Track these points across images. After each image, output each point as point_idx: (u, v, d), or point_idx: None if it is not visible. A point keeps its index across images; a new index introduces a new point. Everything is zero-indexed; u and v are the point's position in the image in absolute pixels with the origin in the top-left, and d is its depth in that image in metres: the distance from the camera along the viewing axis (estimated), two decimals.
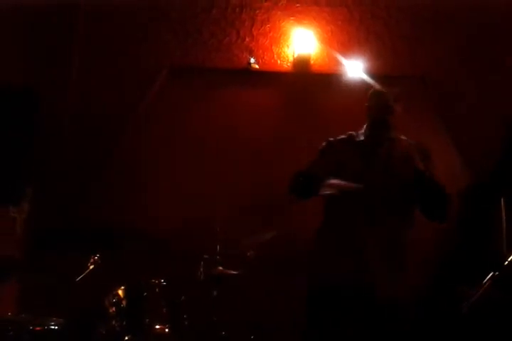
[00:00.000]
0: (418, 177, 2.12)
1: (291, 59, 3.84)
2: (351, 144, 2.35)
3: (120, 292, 2.79)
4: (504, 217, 2.71)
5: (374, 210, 2.20)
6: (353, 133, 2.40)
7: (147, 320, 2.75)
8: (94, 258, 2.84)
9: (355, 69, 3.77)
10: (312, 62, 3.82)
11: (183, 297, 2.87)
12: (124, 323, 2.74)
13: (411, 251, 2.24)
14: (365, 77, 3.68)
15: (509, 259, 1.75)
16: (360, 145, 2.33)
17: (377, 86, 2.41)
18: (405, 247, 2.25)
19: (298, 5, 3.90)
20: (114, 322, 2.74)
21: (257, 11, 3.88)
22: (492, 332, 2.35)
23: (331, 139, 2.42)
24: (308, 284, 2.31)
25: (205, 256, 3.06)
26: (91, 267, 2.83)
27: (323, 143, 2.43)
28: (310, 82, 3.80)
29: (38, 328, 2.61)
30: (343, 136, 2.41)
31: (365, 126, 2.39)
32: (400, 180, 2.20)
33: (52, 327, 2.64)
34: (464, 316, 1.63)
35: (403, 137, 2.36)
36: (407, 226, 2.27)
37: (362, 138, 2.35)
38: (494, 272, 1.74)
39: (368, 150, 2.29)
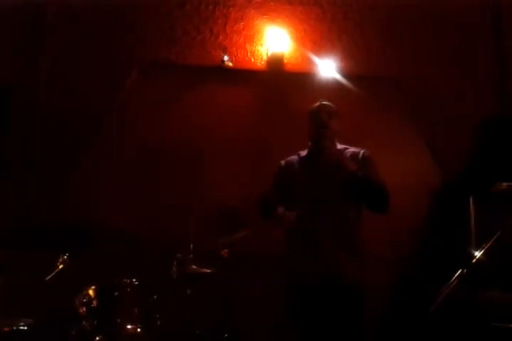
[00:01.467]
0: (351, 177, 2.50)
1: (264, 57, 3.85)
2: (298, 160, 2.76)
3: (91, 292, 2.75)
4: (473, 216, 2.78)
5: (321, 210, 2.57)
6: (301, 152, 2.79)
7: (119, 319, 2.71)
8: (63, 257, 2.79)
9: (328, 68, 3.81)
10: (285, 60, 3.84)
11: (155, 296, 2.84)
12: (95, 323, 2.70)
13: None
14: (338, 77, 3.71)
15: (477, 257, 1.79)
16: (304, 159, 2.74)
17: (315, 105, 2.74)
18: (356, 237, 2.59)
19: (271, 3, 3.92)
20: (84, 323, 2.69)
21: (231, 9, 3.88)
22: (459, 329, 2.41)
23: (282, 162, 2.82)
24: (285, 283, 2.62)
25: (178, 255, 3.04)
26: (60, 266, 2.78)
27: (278, 167, 2.82)
28: (283, 81, 3.81)
29: (6, 329, 2.57)
30: (292, 156, 2.80)
31: (308, 144, 2.76)
32: (337, 181, 2.56)
33: (22, 327, 2.60)
34: (432, 314, 1.67)
35: (342, 146, 2.73)
36: (354, 219, 2.60)
37: (305, 153, 2.75)
38: (462, 270, 1.78)
39: (309, 161, 2.70)
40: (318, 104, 2.76)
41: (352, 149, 2.72)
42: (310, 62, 3.84)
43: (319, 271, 2.49)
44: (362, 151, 2.70)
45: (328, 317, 2.45)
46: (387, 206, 2.53)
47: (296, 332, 2.54)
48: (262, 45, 3.86)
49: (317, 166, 2.65)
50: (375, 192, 2.53)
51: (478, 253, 1.83)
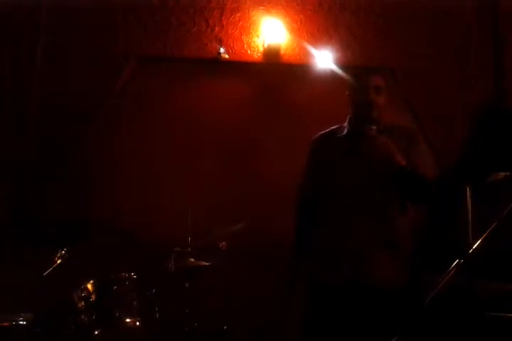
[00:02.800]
0: (399, 173, 2.16)
1: (261, 49, 3.82)
2: (334, 141, 2.35)
3: (89, 286, 2.76)
4: (470, 206, 2.76)
5: (363, 206, 2.24)
6: (334, 127, 2.40)
7: (117, 313, 2.72)
8: (61, 252, 2.79)
9: (324, 59, 3.78)
10: (282, 52, 3.82)
11: (153, 290, 2.84)
12: (94, 317, 2.71)
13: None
14: (335, 68, 3.69)
15: (474, 247, 1.78)
16: (342, 143, 2.33)
17: (358, 77, 2.30)
18: (401, 237, 2.30)
19: None
20: (83, 317, 2.70)
21: (226, 0, 3.84)
22: (456, 320, 2.41)
23: (316, 138, 2.44)
24: (309, 284, 2.33)
25: (176, 248, 3.04)
26: (58, 261, 2.79)
27: (311, 144, 2.45)
28: (280, 72, 3.79)
29: (5, 324, 2.58)
30: (326, 132, 2.42)
31: (347, 120, 2.37)
32: (383, 174, 2.21)
33: (21, 322, 2.60)
34: (428, 304, 1.67)
35: (388, 125, 2.32)
36: (399, 216, 2.30)
37: (344, 133, 2.35)
38: (459, 260, 1.77)
39: (349, 147, 2.30)
40: (364, 74, 2.29)
41: (398, 126, 2.32)
42: (307, 53, 3.82)
43: (353, 270, 2.20)
44: (409, 130, 2.34)
45: (357, 323, 2.17)
46: (432, 197, 2.30)
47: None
48: (258, 36, 3.83)
49: (360, 155, 2.25)
50: (422, 187, 2.23)
51: (475, 244, 1.82)
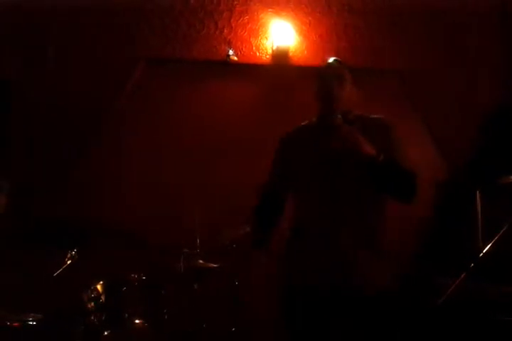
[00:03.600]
0: (370, 163, 2.01)
1: (270, 51, 3.83)
2: (300, 137, 2.27)
3: (99, 287, 2.76)
4: (480, 209, 2.75)
5: (337, 203, 2.12)
6: (305, 123, 2.31)
7: (126, 314, 2.73)
8: (71, 253, 2.81)
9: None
10: (291, 54, 3.82)
11: (162, 291, 2.85)
12: (103, 318, 2.72)
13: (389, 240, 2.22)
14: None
15: (484, 251, 1.78)
16: (308, 137, 2.24)
17: (322, 70, 2.22)
18: (380, 234, 2.16)
19: None
20: (92, 317, 2.71)
21: (235, 2, 3.85)
22: (466, 323, 2.40)
23: (285, 134, 2.35)
24: (284, 285, 2.21)
25: (185, 250, 3.05)
26: (68, 262, 2.80)
27: (279, 142, 2.36)
28: (289, 75, 3.79)
29: (16, 324, 2.59)
30: (294, 128, 2.33)
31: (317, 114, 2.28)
32: (352, 167, 2.09)
33: (30, 322, 2.62)
34: (439, 308, 1.66)
35: (360, 115, 2.20)
36: (377, 212, 2.16)
37: (311, 127, 2.27)
38: (469, 263, 1.76)
39: (316, 141, 2.18)
40: (326, 64, 2.23)
41: (371, 118, 2.19)
42: (315, 55, 3.82)
43: (335, 275, 2.05)
44: (382, 120, 2.18)
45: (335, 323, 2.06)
46: (413, 193, 2.09)
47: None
48: (267, 38, 3.84)
49: (326, 147, 2.11)
50: (400, 179, 2.07)
51: (485, 247, 1.81)
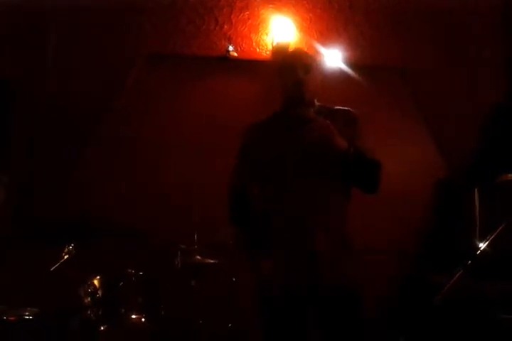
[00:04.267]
0: (342, 156, 1.97)
1: (270, 47, 3.81)
2: (266, 129, 2.17)
3: (96, 282, 2.77)
4: (478, 208, 2.75)
5: (304, 197, 2.03)
6: (270, 115, 2.23)
7: (123, 309, 2.74)
8: (68, 247, 2.81)
9: (333, 58, 3.77)
10: (291, 50, 3.81)
11: (160, 287, 2.85)
12: (100, 313, 2.72)
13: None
14: (344, 67, 3.68)
15: (481, 249, 1.78)
16: (274, 129, 2.14)
17: (285, 59, 2.15)
18: (345, 226, 2.08)
19: None
20: (89, 312, 2.71)
21: None
22: (464, 322, 2.41)
23: (247, 129, 2.25)
24: (263, 291, 2.11)
25: (183, 246, 3.05)
26: (65, 257, 2.80)
27: (242, 136, 2.25)
28: None
29: (12, 318, 2.59)
30: (259, 121, 2.24)
31: (281, 105, 2.19)
32: (322, 159, 2.03)
33: (27, 317, 2.62)
34: (437, 306, 1.66)
35: (323, 105, 2.15)
36: (342, 204, 2.11)
37: (276, 118, 2.18)
38: (467, 261, 1.76)
39: (283, 132, 2.10)
40: (290, 54, 2.17)
41: (336, 108, 2.13)
42: (316, 51, 3.81)
43: (310, 271, 1.99)
44: (349, 111, 2.12)
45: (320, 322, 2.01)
46: (378, 183, 2.05)
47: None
48: (267, 34, 3.82)
49: (294, 139, 2.06)
50: (366, 169, 2.03)
51: (483, 245, 1.81)
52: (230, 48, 3.75)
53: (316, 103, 2.13)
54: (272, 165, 2.08)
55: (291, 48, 3.79)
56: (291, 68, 2.06)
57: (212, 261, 3.05)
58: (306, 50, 2.24)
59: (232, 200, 2.22)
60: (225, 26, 3.81)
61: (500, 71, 3.95)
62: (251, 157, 2.16)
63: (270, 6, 3.84)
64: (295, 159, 2.05)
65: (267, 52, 3.82)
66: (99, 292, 2.75)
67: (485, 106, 3.80)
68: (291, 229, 2.03)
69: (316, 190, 2.04)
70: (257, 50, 3.83)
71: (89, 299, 2.74)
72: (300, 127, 2.06)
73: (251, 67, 3.80)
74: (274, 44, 3.79)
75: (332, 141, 1.96)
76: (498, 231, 1.79)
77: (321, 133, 1.99)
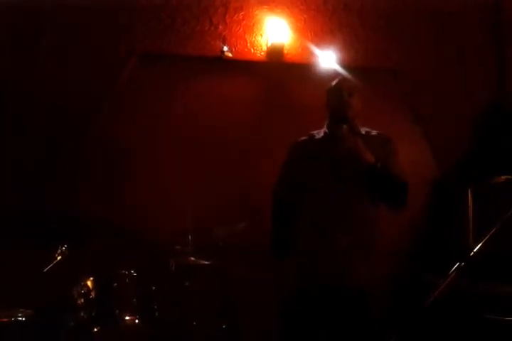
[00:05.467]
0: (369, 170, 2.24)
1: (264, 48, 3.82)
2: (311, 145, 2.47)
3: (89, 283, 2.76)
4: (471, 208, 2.76)
5: (334, 205, 2.32)
6: (314, 132, 2.51)
7: (117, 311, 2.73)
8: (61, 248, 2.80)
9: (327, 59, 3.78)
10: (285, 51, 3.81)
11: (153, 287, 2.85)
12: (93, 314, 2.71)
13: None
14: (338, 68, 3.69)
15: (475, 250, 1.79)
16: (318, 144, 2.45)
17: (334, 82, 2.49)
18: (373, 237, 2.36)
19: None
20: (82, 314, 2.71)
21: None
22: (455, 322, 2.41)
23: (293, 145, 2.54)
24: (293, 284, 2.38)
25: (177, 247, 3.04)
26: (58, 258, 2.79)
27: (288, 151, 2.55)
28: (283, 72, 3.79)
29: (4, 319, 2.58)
30: (304, 138, 2.53)
31: (326, 123, 2.51)
32: (352, 173, 2.30)
33: (20, 318, 2.61)
34: (428, 306, 1.67)
35: (364, 129, 2.46)
36: (371, 216, 2.36)
37: (321, 136, 2.47)
38: (460, 263, 1.77)
39: (324, 148, 2.39)
40: (337, 80, 2.50)
41: (374, 132, 2.45)
42: (310, 52, 3.81)
43: (330, 270, 2.27)
44: (385, 137, 2.44)
45: (334, 321, 2.25)
46: (404, 202, 2.32)
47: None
48: (261, 35, 3.82)
49: (331, 155, 2.36)
50: (394, 187, 2.29)
51: (476, 246, 1.82)
52: (225, 49, 3.74)
53: (357, 127, 2.43)
54: (311, 180, 2.39)
55: (286, 49, 3.80)
56: (338, 91, 2.41)
57: (206, 263, 3.05)
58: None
59: (275, 205, 2.51)
60: (220, 27, 3.81)
61: (493, 71, 3.97)
62: (293, 170, 2.48)
63: (265, 6, 3.84)
64: (330, 174, 2.34)
65: (262, 53, 3.82)
66: (93, 293, 2.75)
67: (478, 106, 3.82)
68: (314, 230, 2.32)
69: (339, 197, 2.30)
70: (252, 50, 3.83)
71: (82, 300, 2.73)
72: (336, 144, 2.34)
73: (245, 68, 3.80)
74: (269, 45, 3.79)
75: (360, 155, 2.24)
76: (491, 232, 1.79)
77: (349, 148, 2.28)
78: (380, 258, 2.37)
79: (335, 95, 2.40)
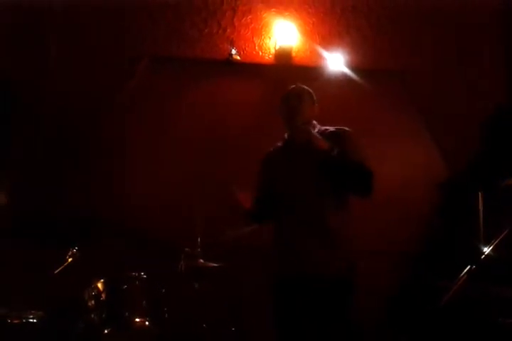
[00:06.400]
0: (325, 157, 2.26)
1: (272, 51, 3.82)
2: (275, 152, 2.58)
3: (99, 285, 2.77)
4: (481, 212, 2.75)
5: (297, 197, 2.39)
6: (278, 143, 2.60)
7: (127, 313, 2.74)
8: (72, 250, 2.81)
9: (336, 62, 3.78)
10: (294, 54, 3.82)
11: (163, 290, 2.86)
12: (104, 316, 2.73)
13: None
14: (346, 71, 3.70)
15: (485, 253, 1.78)
16: (280, 149, 2.56)
17: (285, 93, 2.52)
18: (336, 228, 2.36)
19: None
20: (93, 316, 2.72)
21: (239, 2, 3.85)
22: (467, 325, 2.40)
23: (263, 156, 2.64)
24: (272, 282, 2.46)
25: (186, 249, 3.05)
26: (69, 260, 2.80)
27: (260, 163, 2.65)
28: (291, 75, 3.79)
29: (16, 321, 2.60)
30: (271, 149, 2.62)
31: None
32: (310, 163, 2.35)
33: (31, 320, 2.62)
34: (440, 310, 1.66)
35: (323, 127, 2.48)
36: (333, 204, 2.38)
37: (281, 143, 2.57)
38: (471, 266, 1.77)
39: (285, 151, 2.51)
40: (288, 89, 2.53)
41: (332, 129, 2.47)
42: (318, 55, 3.82)
43: (294, 263, 2.36)
44: (342, 130, 2.45)
45: (308, 312, 2.31)
46: (370, 188, 2.30)
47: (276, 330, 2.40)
48: (270, 38, 3.83)
49: (291, 152, 2.47)
50: (354, 173, 2.29)
51: (487, 249, 1.82)
52: (233, 52, 3.75)
53: (316, 125, 2.48)
54: (278, 184, 2.47)
55: (294, 52, 3.81)
56: (287, 96, 2.47)
57: (215, 265, 3.05)
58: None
59: (254, 206, 2.52)
60: (228, 30, 3.82)
61: (501, 73, 3.96)
62: (266, 176, 2.58)
63: (273, 9, 3.85)
64: (292, 174, 2.43)
65: (270, 56, 3.83)
66: (103, 295, 2.76)
67: (486, 108, 3.81)
68: (285, 226, 2.43)
69: (307, 192, 2.36)
70: (260, 53, 3.84)
71: (93, 302, 2.75)
72: (293, 141, 2.46)
73: (254, 71, 3.81)
74: (277, 48, 3.80)
75: (315, 143, 2.27)
76: (502, 235, 1.79)
77: (303, 137, 2.35)
78: (346, 247, 2.36)
79: (283, 103, 2.47)
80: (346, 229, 2.37)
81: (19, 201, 3.45)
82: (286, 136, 2.55)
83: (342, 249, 2.34)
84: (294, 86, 2.53)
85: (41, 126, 3.61)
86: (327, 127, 2.48)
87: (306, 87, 2.53)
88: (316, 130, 2.42)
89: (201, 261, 3.04)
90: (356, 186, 2.33)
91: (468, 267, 1.78)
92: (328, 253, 2.32)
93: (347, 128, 2.46)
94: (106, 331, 2.69)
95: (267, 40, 3.83)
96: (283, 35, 3.80)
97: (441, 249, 3.25)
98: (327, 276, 2.30)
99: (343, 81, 3.76)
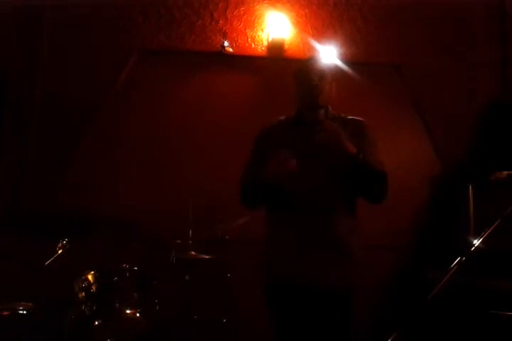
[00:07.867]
0: (349, 161, 2.03)
1: (265, 43, 3.81)
2: (282, 131, 2.24)
3: (90, 277, 2.76)
4: (472, 204, 2.77)
5: (307, 201, 2.12)
6: (281, 118, 2.30)
7: (117, 304, 2.73)
8: (62, 242, 2.80)
9: (329, 55, 3.77)
10: (286, 46, 3.80)
11: (154, 282, 2.85)
12: (94, 308, 2.72)
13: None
14: (339, 63, 3.68)
15: (476, 245, 1.79)
16: (288, 132, 2.21)
17: (302, 65, 2.21)
18: (347, 235, 2.13)
19: None
20: (83, 307, 2.71)
21: None
22: (457, 318, 2.42)
23: (261, 131, 2.32)
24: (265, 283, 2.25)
25: (178, 241, 3.05)
26: (59, 251, 2.79)
27: (255, 139, 2.33)
28: (284, 67, 3.77)
29: (5, 313, 2.58)
30: (273, 123, 2.31)
31: (296, 110, 2.28)
32: (330, 164, 2.10)
33: (21, 311, 2.61)
34: (430, 302, 1.67)
35: (337, 115, 2.23)
36: (347, 213, 2.16)
37: (290, 122, 2.25)
38: (461, 258, 1.78)
39: (295, 135, 2.17)
40: (305, 61, 2.21)
41: (349, 117, 2.21)
42: (311, 48, 3.81)
43: (299, 270, 2.09)
44: (362, 123, 2.20)
45: (308, 321, 2.09)
46: (384, 195, 2.11)
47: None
48: (262, 30, 3.82)
49: (307, 141, 2.13)
50: (374, 180, 2.07)
51: (477, 242, 1.83)
52: (226, 44, 3.74)
53: (331, 111, 2.22)
54: (278, 164, 2.07)
55: (287, 44, 3.79)
56: (307, 74, 2.15)
57: (206, 257, 3.06)
58: (318, 56, 2.27)
59: (242, 190, 2.31)
60: (221, 22, 3.80)
61: (496, 67, 3.97)
62: (261, 158, 2.21)
63: (266, 1, 3.84)
64: (306, 158, 2.09)
65: (262, 48, 3.81)
66: (94, 287, 2.75)
67: (479, 102, 3.82)
68: (287, 235, 2.15)
69: (321, 188, 2.11)
70: (253, 45, 3.83)
71: (83, 294, 2.73)
72: (311, 129, 2.14)
73: (246, 63, 3.79)
74: (270, 40, 3.79)
75: (341, 143, 2.02)
76: (492, 227, 1.80)
77: (330, 135, 2.05)
78: (357, 259, 2.15)
79: (303, 79, 2.14)
80: (356, 238, 2.14)
81: (9, 195, 3.44)
82: (296, 115, 2.22)
83: (351, 262, 2.11)
84: (310, 58, 2.23)
85: (34, 121, 3.58)
86: (339, 114, 2.22)
87: (324, 62, 2.21)
88: (329, 116, 2.14)
89: (192, 253, 3.04)
90: (371, 192, 2.12)
91: (458, 259, 1.79)
92: (335, 265, 2.08)
93: (364, 121, 2.21)
94: (96, 323, 2.68)
95: (260, 32, 3.82)
96: (276, 27, 3.78)
97: (431, 241, 3.26)
98: (331, 290, 2.07)
99: (336, 74, 3.74)
